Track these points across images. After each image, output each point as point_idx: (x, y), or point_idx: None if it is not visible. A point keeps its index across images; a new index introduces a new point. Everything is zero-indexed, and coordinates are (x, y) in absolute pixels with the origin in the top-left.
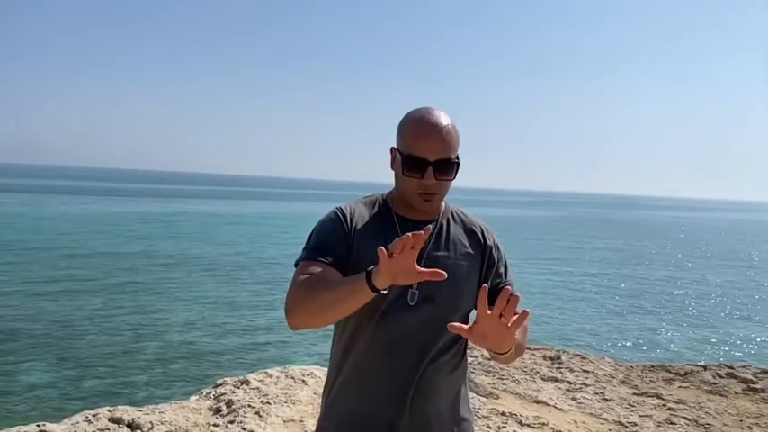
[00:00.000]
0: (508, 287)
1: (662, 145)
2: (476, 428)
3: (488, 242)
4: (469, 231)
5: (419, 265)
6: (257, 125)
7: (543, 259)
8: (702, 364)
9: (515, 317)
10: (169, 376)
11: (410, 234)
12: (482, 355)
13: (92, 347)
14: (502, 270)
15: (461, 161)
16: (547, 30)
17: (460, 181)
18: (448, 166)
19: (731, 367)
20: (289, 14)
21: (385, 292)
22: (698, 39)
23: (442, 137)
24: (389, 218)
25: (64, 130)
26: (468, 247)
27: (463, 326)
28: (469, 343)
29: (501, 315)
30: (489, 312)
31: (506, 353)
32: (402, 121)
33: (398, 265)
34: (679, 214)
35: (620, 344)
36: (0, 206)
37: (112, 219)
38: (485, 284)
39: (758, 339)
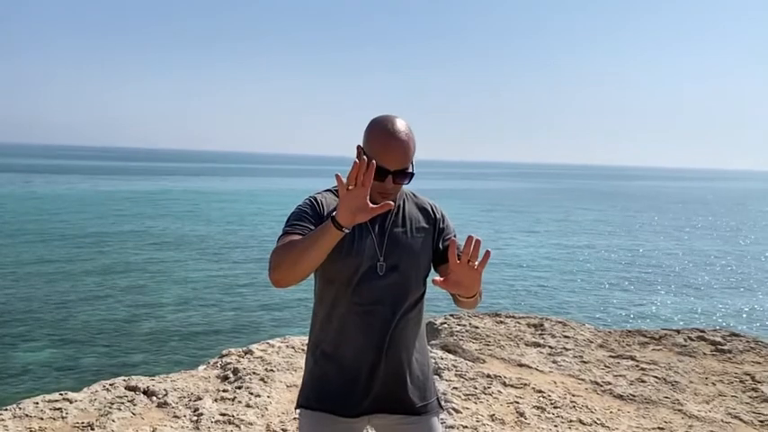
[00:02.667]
0: (471, 235)
1: (653, 115)
2: (444, 374)
3: (437, 215)
4: (422, 209)
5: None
6: (247, 102)
7: (533, 231)
8: (676, 328)
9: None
10: (164, 354)
11: (356, 160)
12: (470, 324)
13: (87, 327)
14: (451, 235)
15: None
16: None
17: (453, 155)
18: (405, 175)
19: (702, 331)
20: None
21: (347, 230)
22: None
23: (402, 150)
24: None
25: (46, 108)
26: (422, 221)
27: (442, 279)
28: (452, 317)
29: (468, 261)
30: (459, 261)
31: (474, 296)
32: (369, 127)
33: (353, 198)
34: (668, 184)
35: (605, 313)
36: None
37: (101, 197)
38: (453, 239)
39: (740, 307)
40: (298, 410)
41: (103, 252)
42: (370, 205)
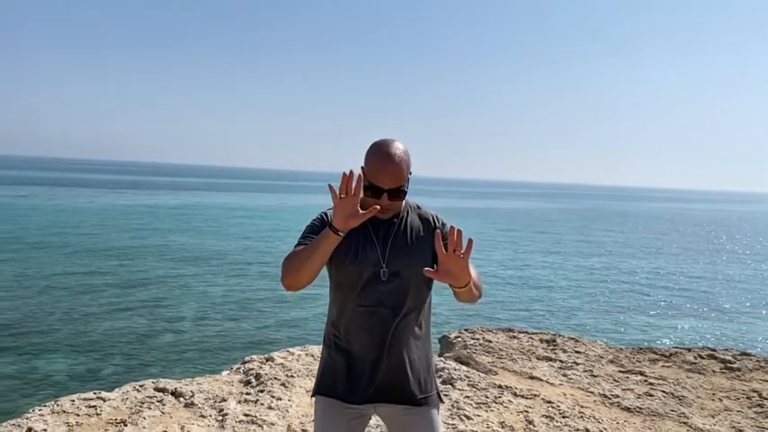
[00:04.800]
0: (453, 225)
1: (674, 135)
2: (457, 384)
3: (438, 224)
4: (424, 219)
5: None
6: (265, 117)
7: (552, 252)
8: (687, 346)
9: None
10: (183, 366)
11: (345, 172)
12: (483, 338)
13: (108, 339)
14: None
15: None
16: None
17: (468, 173)
18: (399, 192)
19: (713, 350)
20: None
21: (342, 234)
22: (708, 20)
23: (396, 171)
24: None
25: (58, 122)
26: (422, 231)
27: (433, 269)
28: (456, 333)
29: (454, 250)
30: (445, 252)
31: (466, 286)
32: (369, 150)
33: (345, 206)
34: (692, 206)
35: (623, 334)
36: (13, 199)
37: (123, 211)
38: (437, 230)
39: (762, 330)
40: (313, 398)
41: (124, 265)
42: (360, 211)
